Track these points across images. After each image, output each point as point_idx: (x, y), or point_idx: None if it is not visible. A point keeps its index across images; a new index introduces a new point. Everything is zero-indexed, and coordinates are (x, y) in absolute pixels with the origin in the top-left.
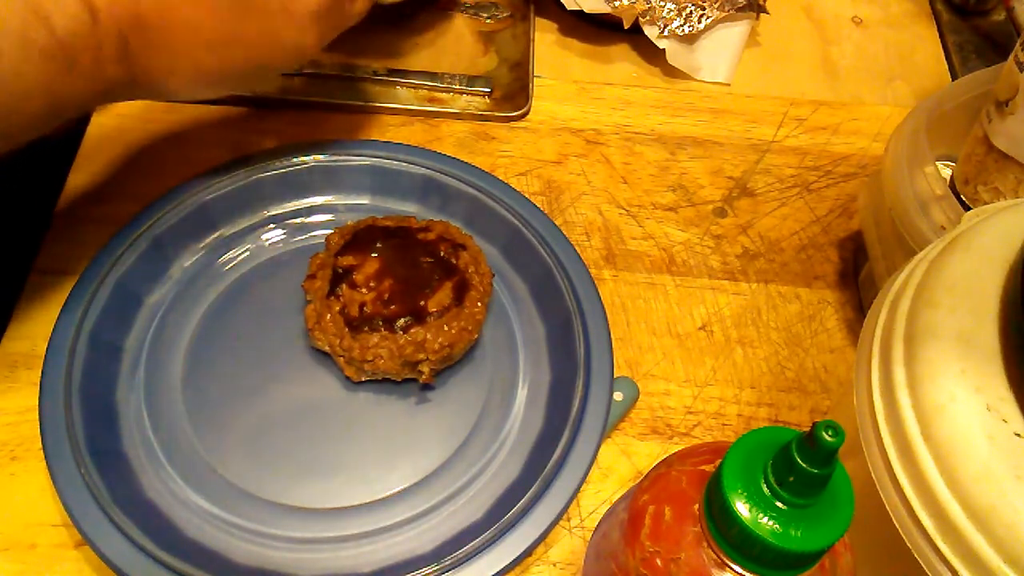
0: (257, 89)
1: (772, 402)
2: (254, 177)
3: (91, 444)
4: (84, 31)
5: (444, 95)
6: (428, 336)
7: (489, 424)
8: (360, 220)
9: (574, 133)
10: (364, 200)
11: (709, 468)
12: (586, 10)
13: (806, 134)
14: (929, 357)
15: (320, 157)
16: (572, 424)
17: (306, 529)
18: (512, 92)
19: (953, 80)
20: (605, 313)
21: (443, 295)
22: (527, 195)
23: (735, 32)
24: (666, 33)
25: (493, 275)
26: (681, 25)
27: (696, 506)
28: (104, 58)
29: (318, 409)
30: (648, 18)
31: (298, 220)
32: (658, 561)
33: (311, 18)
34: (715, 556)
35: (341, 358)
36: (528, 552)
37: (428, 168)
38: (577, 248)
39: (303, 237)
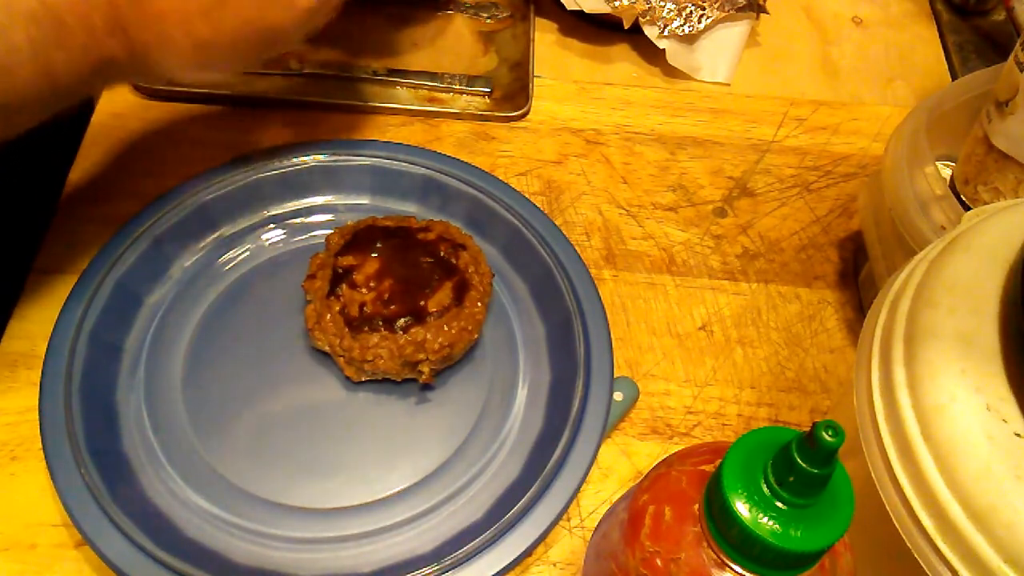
0: (254, 68)
1: (772, 402)
2: (254, 177)
3: (91, 444)
4: None
5: (444, 95)
6: (428, 336)
7: (489, 424)
8: (360, 220)
9: (574, 133)
10: (364, 200)
11: (709, 468)
12: (586, 10)
13: (806, 134)
14: (929, 357)
15: (320, 157)
16: (572, 424)
17: (306, 529)
18: (512, 92)
19: (953, 80)
20: (605, 313)
21: (443, 295)
22: (527, 195)
23: (735, 32)
24: (666, 33)
25: (493, 275)
26: (681, 25)
27: (696, 506)
28: (96, 28)
29: (318, 409)
30: (648, 18)
31: (298, 220)
32: (658, 561)
33: None
34: (715, 556)
35: (341, 358)
36: (528, 552)
37: (428, 168)
38: (577, 248)
39: (303, 237)
